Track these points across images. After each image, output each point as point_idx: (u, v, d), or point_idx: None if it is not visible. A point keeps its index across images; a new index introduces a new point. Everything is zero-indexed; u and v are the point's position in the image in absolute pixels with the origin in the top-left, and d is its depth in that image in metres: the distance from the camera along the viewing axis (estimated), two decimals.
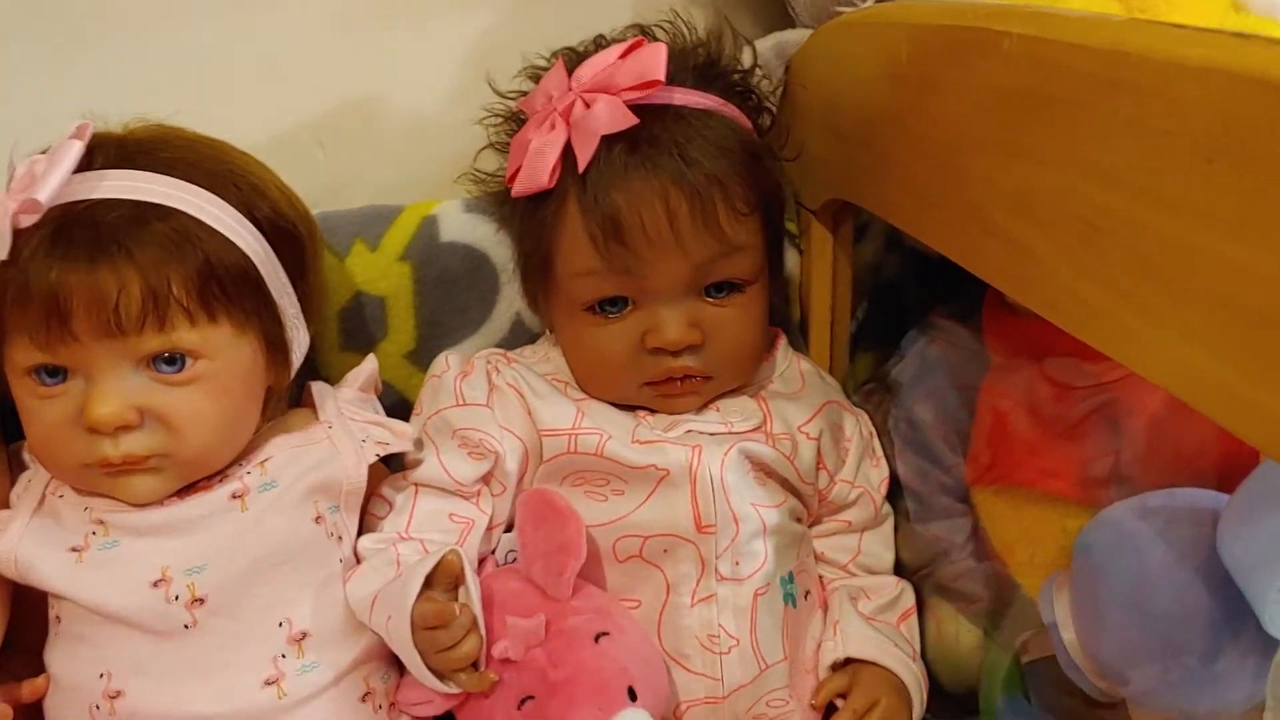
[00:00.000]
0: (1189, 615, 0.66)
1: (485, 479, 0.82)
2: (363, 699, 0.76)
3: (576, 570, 0.75)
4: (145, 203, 0.70)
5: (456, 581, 0.73)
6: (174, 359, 0.71)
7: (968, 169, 0.62)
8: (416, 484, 0.81)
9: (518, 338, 0.93)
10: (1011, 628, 0.87)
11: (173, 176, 0.72)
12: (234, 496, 0.74)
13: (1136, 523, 0.67)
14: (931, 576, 0.90)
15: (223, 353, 0.72)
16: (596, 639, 0.74)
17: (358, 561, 0.79)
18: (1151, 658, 0.69)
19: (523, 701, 0.72)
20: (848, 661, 0.82)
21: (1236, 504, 0.58)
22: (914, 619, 0.88)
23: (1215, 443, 0.76)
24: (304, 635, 0.74)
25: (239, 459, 0.76)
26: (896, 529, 0.91)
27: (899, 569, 0.91)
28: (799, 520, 0.85)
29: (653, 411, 0.83)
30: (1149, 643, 0.69)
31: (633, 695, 0.72)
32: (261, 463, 0.76)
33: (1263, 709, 0.66)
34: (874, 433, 0.91)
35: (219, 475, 0.75)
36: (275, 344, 0.76)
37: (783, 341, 0.91)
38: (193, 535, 0.73)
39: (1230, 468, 0.68)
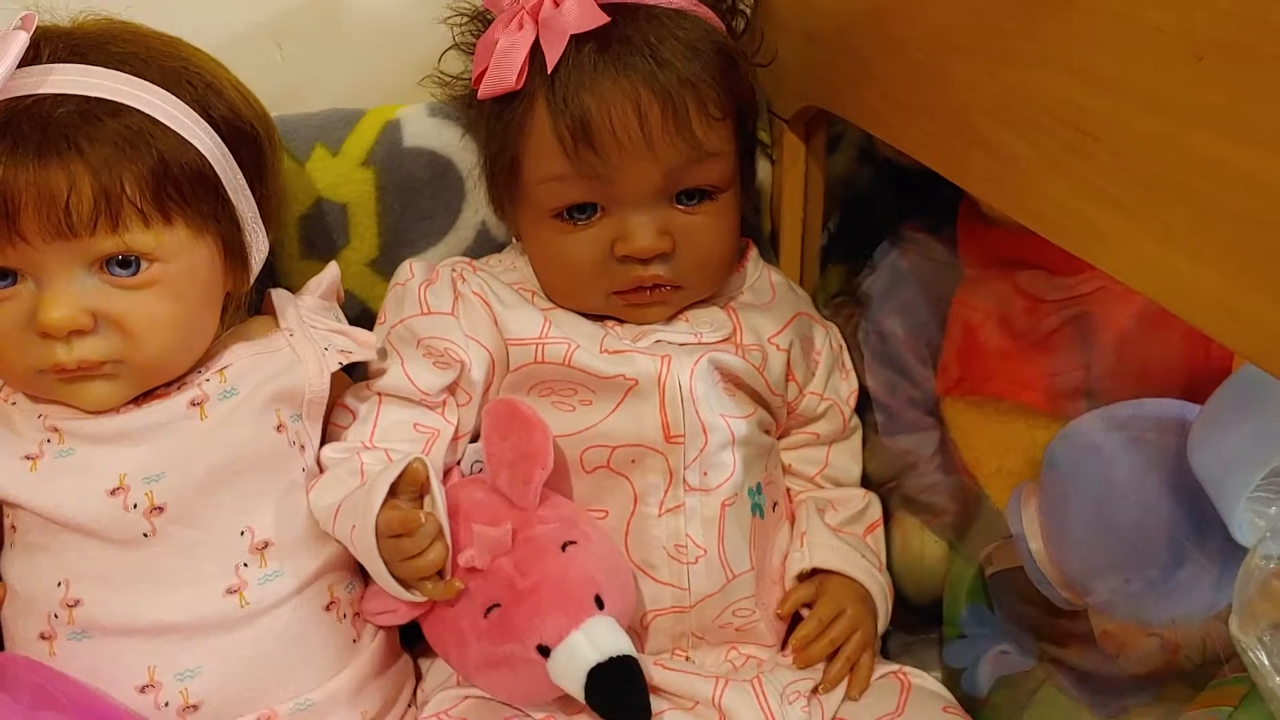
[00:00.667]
0: (1152, 528, 0.66)
1: (450, 389, 0.80)
2: (326, 608, 0.75)
3: (543, 479, 0.74)
4: (96, 99, 0.67)
5: (421, 490, 0.72)
6: (128, 262, 0.69)
7: (950, 73, 0.61)
8: (380, 393, 0.80)
9: (484, 246, 0.91)
10: (976, 540, 0.88)
11: (124, 72, 0.69)
12: (193, 404, 0.72)
13: (1104, 434, 0.67)
14: (899, 489, 0.90)
15: (178, 256, 0.70)
16: (563, 548, 0.73)
17: (320, 471, 0.78)
18: (1114, 569, 0.70)
19: (489, 609, 0.71)
20: (814, 572, 0.82)
21: (1208, 413, 0.58)
22: (880, 531, 0.89)
23: (1185, 356, 0.76)
24: (266, 544, 0.73)
25: (197, 366, 0.75)
26: (865, 442, 0.91)
27: (866, 482, 0.91)
28: (767, 432, 0.85)
29: (621, 321, 0.82)
30: (1112, 554, 0.70)
31: (600, 603, 0.72)
32: (221, 370, 0.74)
33: (1219, 617, 0.67)
34: (844, 345, 0.91)
35: (177, 383, 0.74)
36: (233, 248, 0.74)
37: (753, 252, 0.90)
38: (150, 443, 0.71)
39: (1199, 381, 0.67)
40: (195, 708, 0.70)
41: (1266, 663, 0.56)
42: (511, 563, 0.72)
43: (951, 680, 0.85)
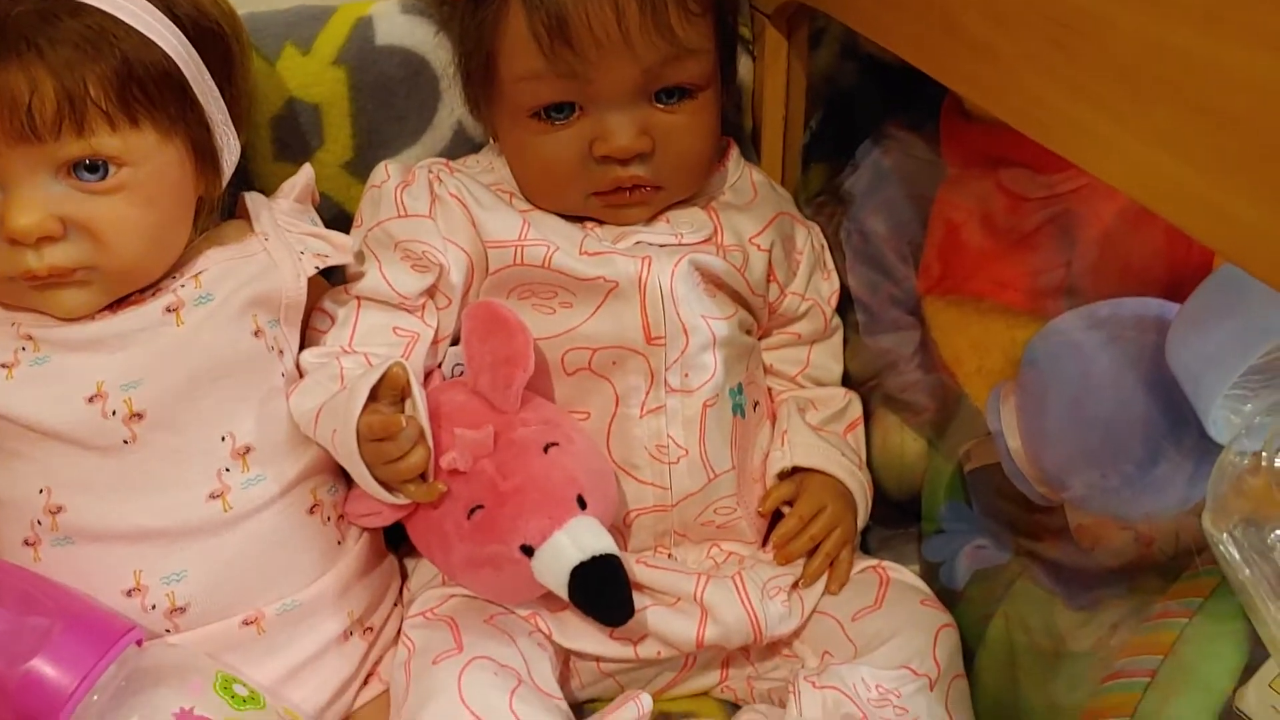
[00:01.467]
0: (1128, 425, 0.67)
1: (429, 292, 0.80)
2: (310, 511, 0.76)
3: (524, 382, 0.74)
4: None
5: (402, 394, 0.72)
6: (95, 166, 0.67)
7: None
8: (359, 297, 0.80)
9: (460, 147, 0.89)
10: (955, 437, 0.88)
11: None
12: (168, 310, 0.72)
13: (1083, 332, 0.67)
14: (879, 388, 0.90)
15: (147, 159, 0.69)
16: (545, 449, 0.73)
17: (300, 376, 0.78)
18: (1090, 465, 0.71)
19: (472, 511, 0.72)
20: (795, 470, 0.83)
21: (1188, 311, 0.58)
22: (861, 429, 0.89)
23: (1166, 256, 0.76)
24: (247, 449, 0.73)
25: (172, 272, 0.74)
26: (845, 341, 0.91)
27: (847, 381, 0.91)
28: (748, 332, 0.84)
29: (601, 223, 0.81)
30: (1089, 451, 0.70)
31: (582, 503, 0.72)
32: (195, 275, 0.73)
33: (1192, 512, 0.68)
34: (825, 245, 0.90)
35: (151, 289, 0.73)
36: (203, 151, 0.73)
37: (734, 151, 0.89)
38: (126, 350, 0.71)
39: (1180, 281, 0.67)
40: (182, 610, 0.70)
41: (1237, 556, 0.57)
42: (494, 465, 0.72)
43: (929, 574, 0.86)
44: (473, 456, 0.72)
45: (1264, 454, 0.55)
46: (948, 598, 0.83)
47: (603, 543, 0.71)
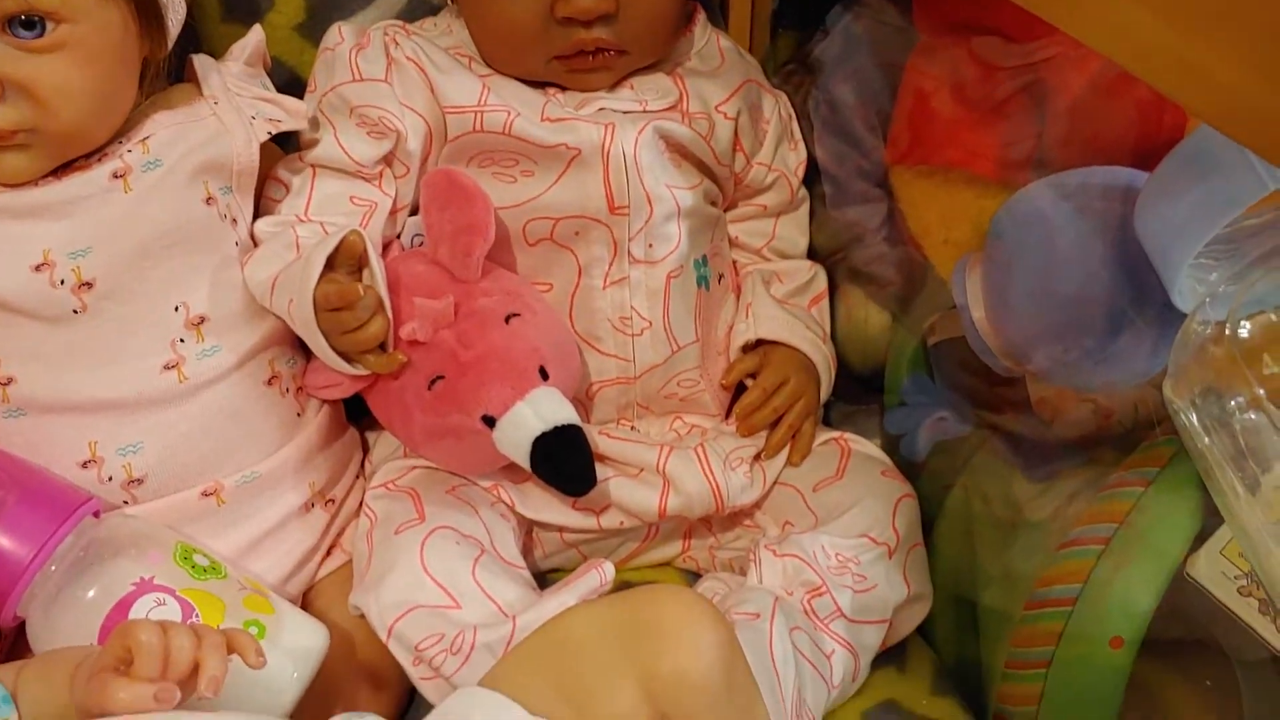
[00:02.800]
0: (1091, 299, 0.67)
1: (387, 160, 0.77)
2: (268, 383, 0.75)
3: (485, 251, 0.73)
4: None
5: (359, 263, 0.70)
6: (32, 22, 0.64)
7: None
8: (314, 165, 0.77)
9: (418, 9, 0.86)
10: (920, 311, 0.88)
11: None
12: (115, 176, 0.69)
13: (1050, 203, 0.66)
14: (845, 261, 0.89)
15: (88, 16, 0.66)
16: (507, 320, 0.72)
17: (254, 245, 0.76)
18: (1053, 338, 0.71)
19: (433, 382, 0.71)
20: (759, 343, 0.83)
21: (1156, 179, 0.58)
22: (825, 303, 0.89)
23: (1137, 127, 0.75)
24: (202, 319, 0.71)
25: (118, 137, 0.71)
26: (812, 214, 0.90)
27: (812, 254, 0.90)
28: (714, 204, 0.83)
29: (563, 89, 0.79)
30: (1051, 324, 0.70)
31: (544, 374, 0.71)
32: (143, 140, 0.71)
33: (1153, 383, 0.68)
34: (793, 115, 0.88)
35: (97, 154, 0.70)
36: (147, 9, 0.70)
37: (701, 17, 0.86)
38: (73, 217, 0.68)
39: (1151, 152, 0.66)
40: (139, 481, 0.70)
41: (1196, 423, 0.57)
42: (454, 335, 0.71)
43: (891, 447, 0.87)
44: (433, 327, 0.71)
45: (1227, 323, 0.55)
46: (908, 469, 0.84)
47: (565, 413, 0.70)
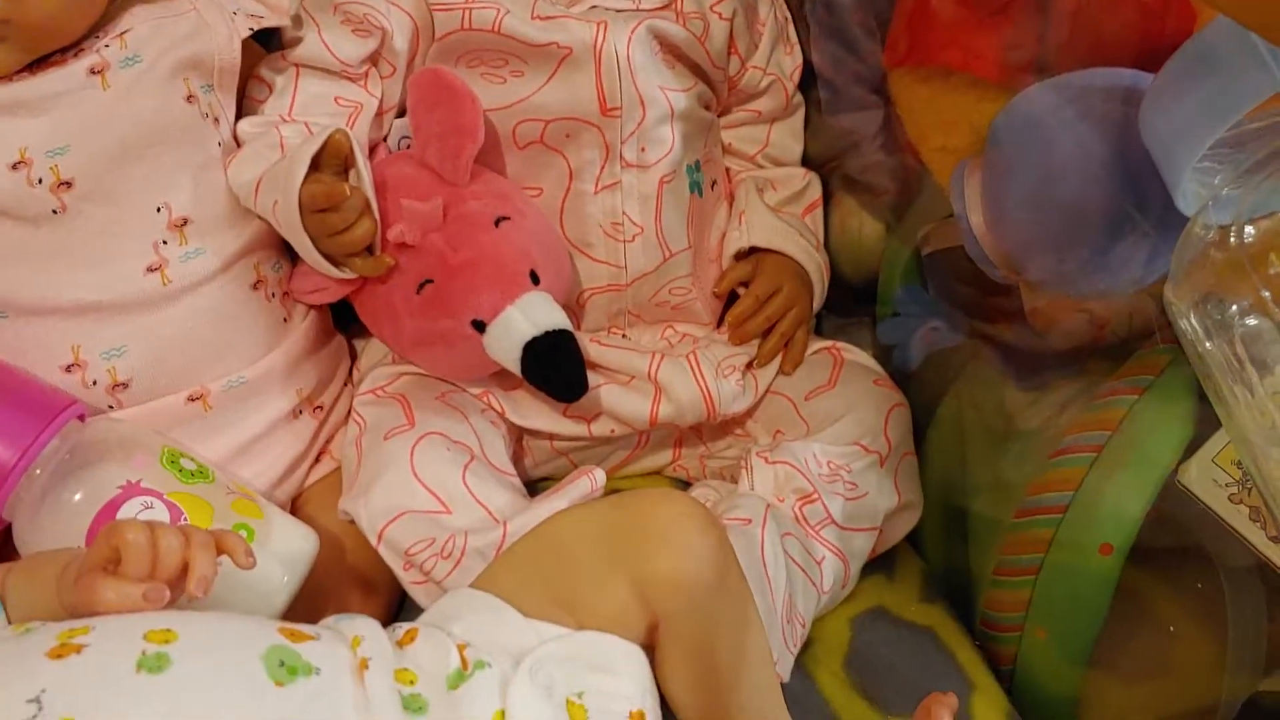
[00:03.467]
0: (1090, 205, 0.65)
1: (372, 59, 0.75)
2: (254, 287, 0.73)
3: (474, 153, 0.71)
4: None
5: (346, 164, 0.69)
6: None
7: None
8: (297, 64, 0.75)
9: None
10: (914, 221, 0.87)
11: None
12: (93, 72, 0.67)
13: (1051, 106, 0.65)
14: (839, 169, 0.88)
15: None
16: (496, 223, 0.71)
17: (238, 146, 0.74)
18: (1051, 245, 0.70)
19: (421, 286, 0.70)
20: (752, 250, 0.82)
21: (1161, 80, 0.56)
22: (819, 211, 0.87)
23: (1141, 28, 0.73)
24: (185, 221, 0.70)
25: (95, 31, 0.69)
26: (807, 121, 0.88)
27: (807, 161, 0.89)
28: (708, 107, 0.81)
29: None
30: (1049, 230, 0.69)
31: (535, 278, 0.70)
32: (121, 35, 0.68)
33: (1150, 292, 0.68)
34: (789, 17, 0.86)
35: (73, 49, 0.68)
36: None
37: None
38: (50, 114, 0.66)
39: (1155, 54, 0.64)
40: (124, 385, 0.69)
41: (1197, 327, 0.56)
42: (443, 238, 0.70)
43: (883, 357, 0.86)
44: (421, 230, 0.69)
45: (1232, 226, 0.54)
46: (900, 379, 0.84)
47: (556, 318, 0.69)
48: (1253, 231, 0.56)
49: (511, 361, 0.69)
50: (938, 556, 0.81)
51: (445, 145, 0.71)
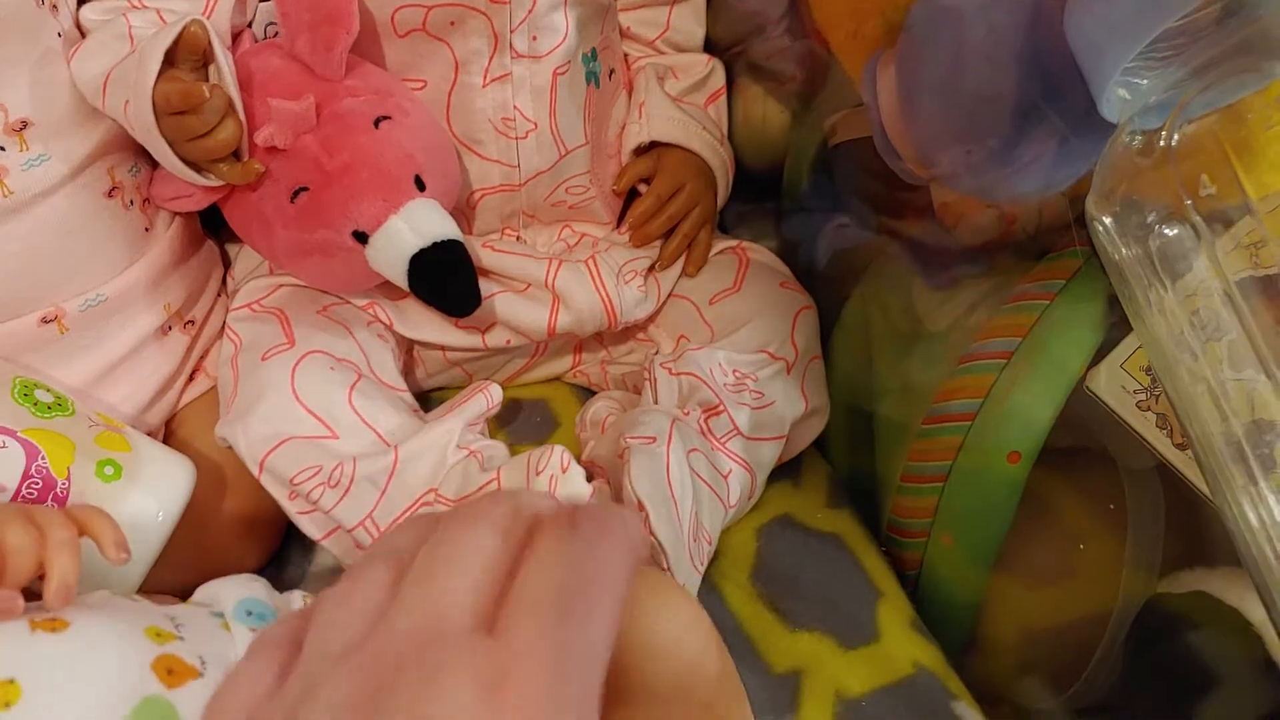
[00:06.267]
0: (997, 98, 0.63)
1: None
2: (108, 194, 0.67)
3: (349, 44, 0.65)
4: None
5: (204, 58, 0.62)
6: None
7: None
8: None
9: None
10: (822, 110, 0.83)
11: None
12: None
13: None
14: (744, 55, 0.83)
15: None
16: (376, 123, 0.65)
17: (82, 36, 0.66)
18: (956, 138, 0.67)
19: (296, 194, 0.64)
20: (652, 145, 0.77)
21: None
22: (723, 100, 0.83)
23: None
24: (24, 124, 0.62)
25: None
26: (709, 2, 0.83)
27: (710, 47, 0.84)
28: None
29: None
30: (956, 124, 0.66)
31: (420, 184, 0.65)
32: None
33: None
34: None
35: None
36: None
37: None
38: None
39: None
40: None
41: (1114, 233, 0.55)
42: (317, 141, 0.64)
43: (787, 251, 0.83)
44: (292, 132, 0.63)
45: (1159, 133, 0.52)
46: (807, 278, 0.81)
47: (445, 227, 0.64)
48: (1177, 139, 0.54)
49: (397, 275, 0.64)
50: (843, 461, 0.79)
51: (316, 35, 0.64)
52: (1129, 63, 0.52)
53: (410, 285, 0.64)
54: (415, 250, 0.63)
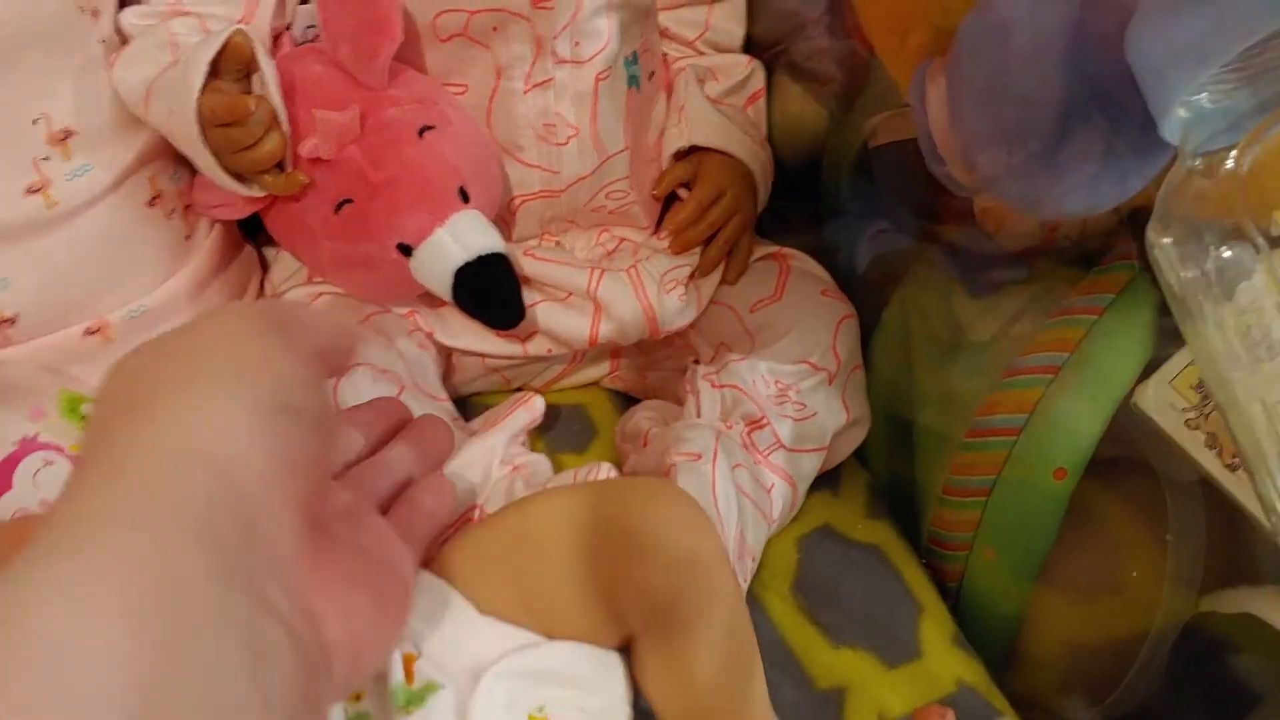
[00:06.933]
0: (1041, 101, 0.62)
1: None
2: (151, 204, 0.66)
3: (392, 53, 0.64)
4: None
5: (248, 67, 0.62)
6: None
7: None
8: None
9: None
10: (862, 111, 0.82)
11: None
12: None
13: (1016, 6, 0.60)
14: (784, 54, 0.82)
15: None
16: (420, 133, 0.65)
17: (122, 41, 0.66)
18: (1007, 150, 0.66)
19: (340, 206, 0.64)
20: (692, 149, 0.76)
21: None
22: (763, 101, 0.82)
23: None
24: (67, 133, 0.62)
25: None
26: (751, 2, 0.81)
27: (749, 46, 0.83)
28: None
29: None
30: (998, 125, 0.65)
31: (464, 196, 0.65)
32: None
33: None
34: None
35: None
36: None
37: None
38: None
39: None
40: (11, 321, 0.62)
41: (1175, 257, 0.54)
42: (362, 152, 0.63)
43: (826, 254, 0.82)
44: (337, 143, 0.63)
45: (1230, 156, 0.51)
46: (844, 280, 0.80)
47: (489, 240, 0.64)
48: (1244, 161, 0.54)
49: (442, 288, 0.64)
50: (882, 466, 0.79)
51: (360, 44, 0.64)
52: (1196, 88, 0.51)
53: (455, 299, 0.64)
54: (460, 263, 0.63)
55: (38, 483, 0.57)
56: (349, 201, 0.64)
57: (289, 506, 0.33)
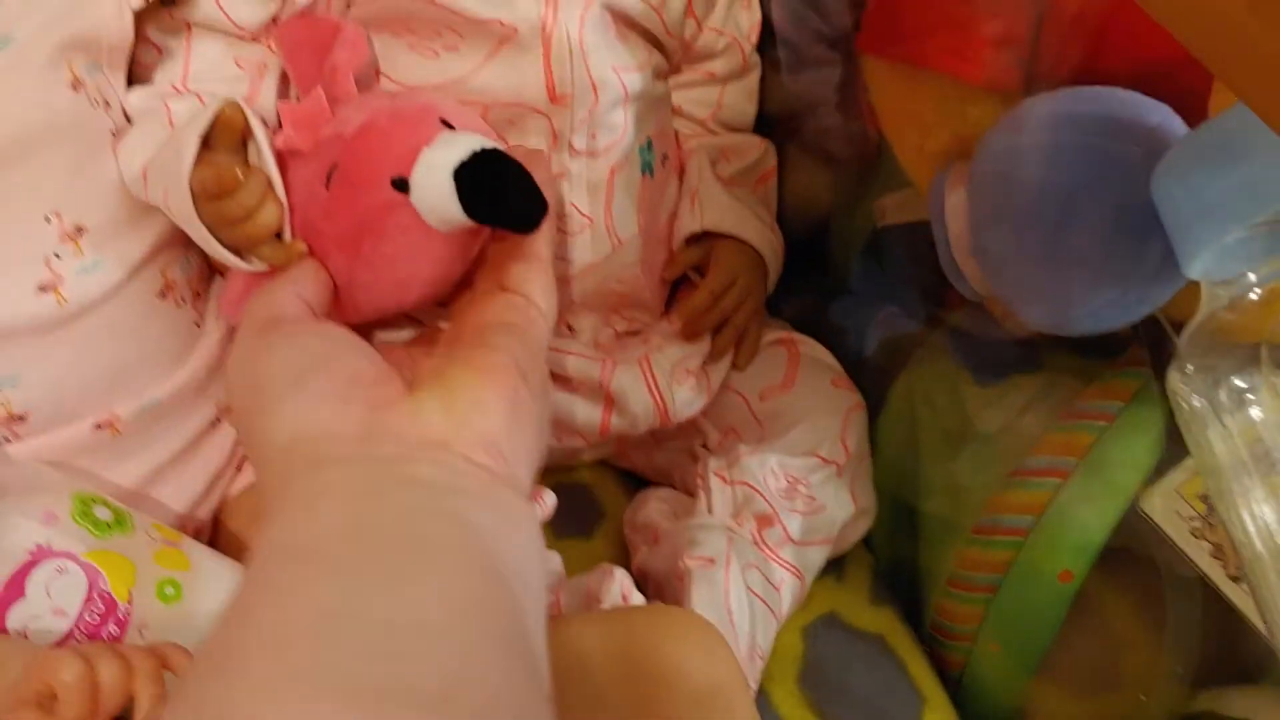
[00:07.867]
0: (1064, 227, 0.61)
1: (276, 22, 0.65)
2: (161, 295, 0.66)
3: (349, 61, 0.60)
4: None
5: (242, 137, 0.59)
6: None
7: None
8: (189, 23, 0.65)
9: None
10: (871, 191, 0.82)
11: None
12: None
13: (1051, 131, 0.60)
14: (796, 134, 0.82)
15: None
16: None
17: (130, 123, 0.64)
18: (1019, 262, 0.65)
19: (329, 177, 0.58)
20: (704, 233, 0.76)
21: (1194, 145, 0.52)
22: (774, 180, 0.82)
23: (1147, 39, 0.67)
24: (79, 230, 0.61)
25: None
26: (763, 81, 0.81)
27: (763, 121, 0.82)
28: (661, 78, 0.74)
29: None
30: (1020, 248, 0.64)
31: (449, 127, 0.58)
32: None
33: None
34: None
35: None
36: None
37: None
38: None
39: (1162, 72, 0.60)
40: (21, 418, 0.61)
41: (1193, 385, 0.55)
42: (335, 124, 0.59)
43: (833, 334, 0.83)
44: (310, 130, 0.59)
45: (1252, 290, 0.52)
46: (851, 360, 0.80)
47: (482, 140, 0.55)
48: (1260, 291, 0.54)
49: (449, 203, 0.54)
50: (885, 549, 0.80)
51: (326, 71, 0.60)
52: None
53: (465, 207, 0.54)
54: (456, 163, 0.53)
55: (50, 593, 0.56)
56: (336, 168, 0.58)
57: None
